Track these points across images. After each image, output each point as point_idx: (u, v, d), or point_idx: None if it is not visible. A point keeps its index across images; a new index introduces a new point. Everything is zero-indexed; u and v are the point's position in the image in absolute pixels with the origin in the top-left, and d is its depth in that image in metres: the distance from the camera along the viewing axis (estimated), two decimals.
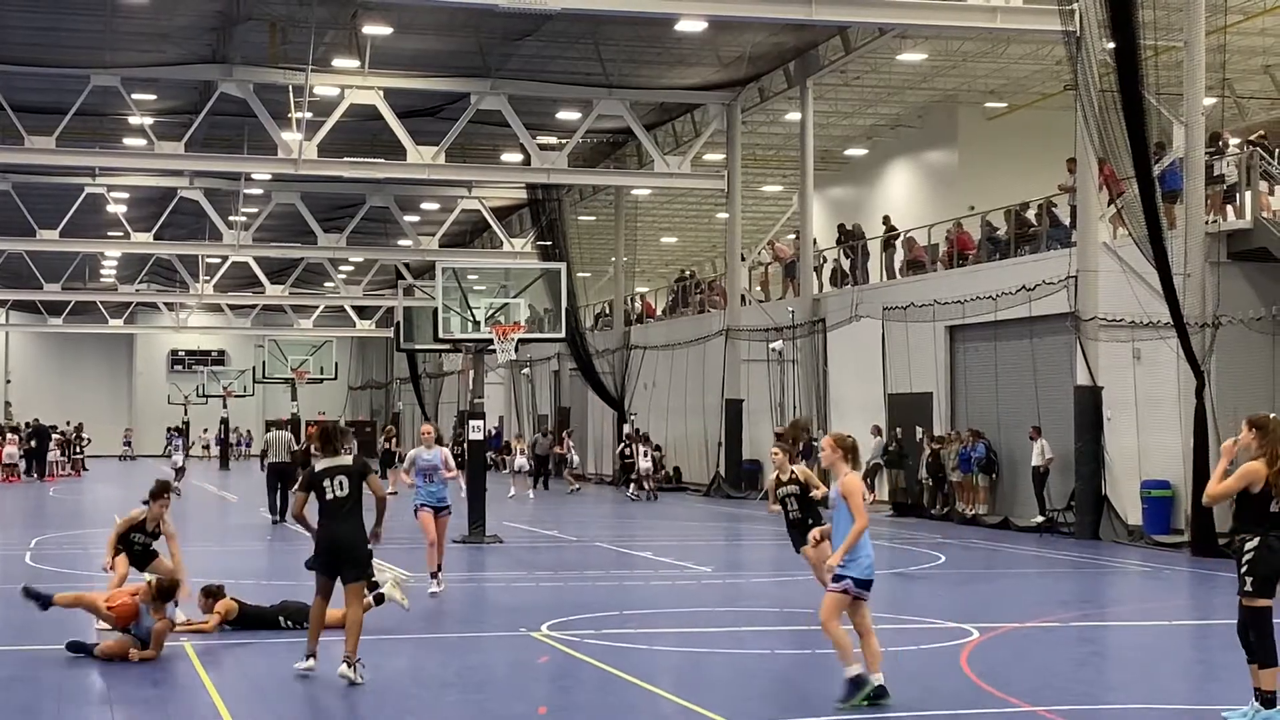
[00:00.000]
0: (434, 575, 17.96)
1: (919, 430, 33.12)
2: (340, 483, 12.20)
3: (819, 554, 14.15)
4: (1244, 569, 10.27)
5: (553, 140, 40.57)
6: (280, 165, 37.57)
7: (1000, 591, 19.73)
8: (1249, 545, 10.29)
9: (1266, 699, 10.16)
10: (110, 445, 75.33)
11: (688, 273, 54.05)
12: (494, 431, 56.23)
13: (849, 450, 11.40)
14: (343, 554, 12.19)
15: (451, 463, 18.72)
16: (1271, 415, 10.62)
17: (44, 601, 14.02)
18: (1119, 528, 25.95)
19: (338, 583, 12.33)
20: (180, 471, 43.53)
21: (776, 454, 15.72)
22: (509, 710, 11.29)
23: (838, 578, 11.02)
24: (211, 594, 15.05)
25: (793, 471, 15.46)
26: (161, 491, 15.43)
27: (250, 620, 14.89)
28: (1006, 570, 22.27)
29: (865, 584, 11.07)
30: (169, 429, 67.89)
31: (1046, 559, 23.47)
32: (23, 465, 50.76)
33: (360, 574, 12.37)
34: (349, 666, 11.98)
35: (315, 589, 12.42)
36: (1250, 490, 10.28)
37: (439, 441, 18.86)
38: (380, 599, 14.60)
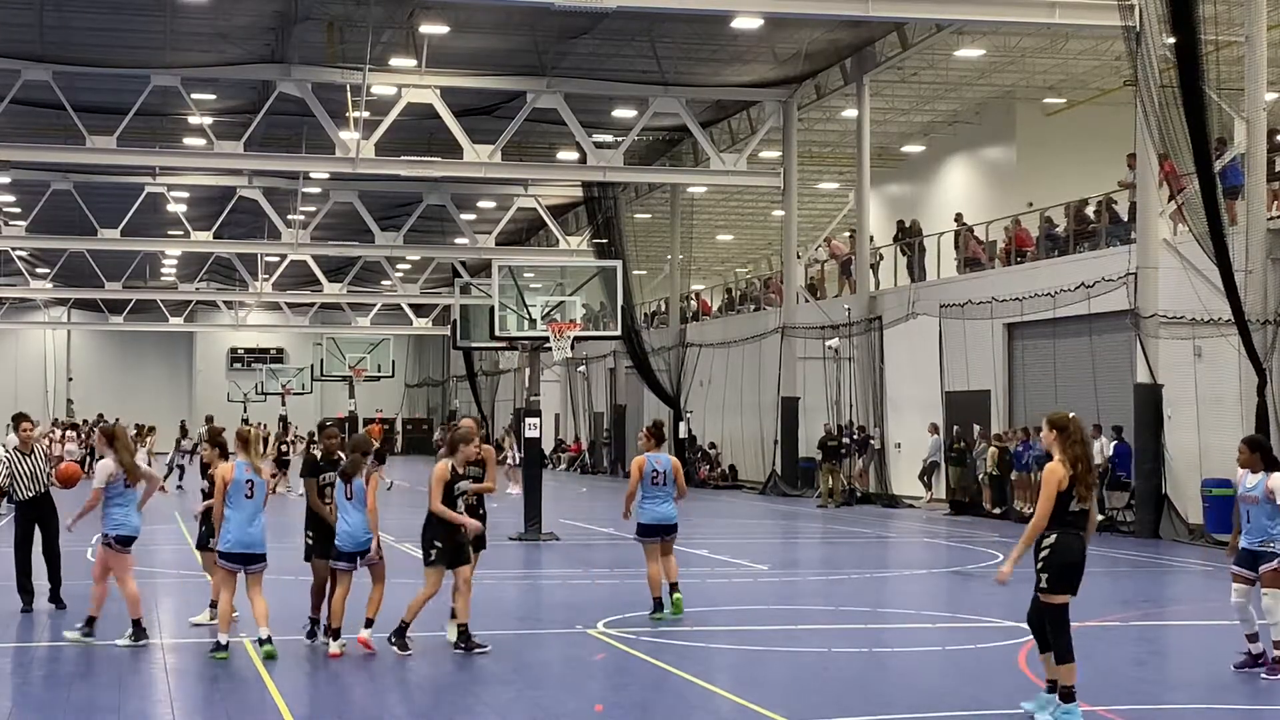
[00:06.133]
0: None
1: (976, 428, 32.95)
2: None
3: None
4: (1039, 565, 10.47)
5: (609, 138, 40.56)
6: (338, 164, 37.77)
7: None
8: (1045, 542, 10.45)
9: (1065, 692, 10.38)
10: (170, 443, 75.86)
11: (746, 274, 53.90)
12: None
13: (238, 441, 13.85)
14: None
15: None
16: (1071, 415, 10.74)
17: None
18: (1179, 527, 25.76)
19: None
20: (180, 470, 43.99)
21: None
22: (565, 708, 11.31)
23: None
24: None
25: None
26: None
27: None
28: None
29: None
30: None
31: (1106, 558, 23.27)
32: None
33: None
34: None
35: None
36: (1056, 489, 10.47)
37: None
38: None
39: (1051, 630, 10.47)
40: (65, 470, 17.42)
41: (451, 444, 13.71)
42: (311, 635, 13.99)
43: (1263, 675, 12.44)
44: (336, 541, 13.54)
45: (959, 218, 37.44)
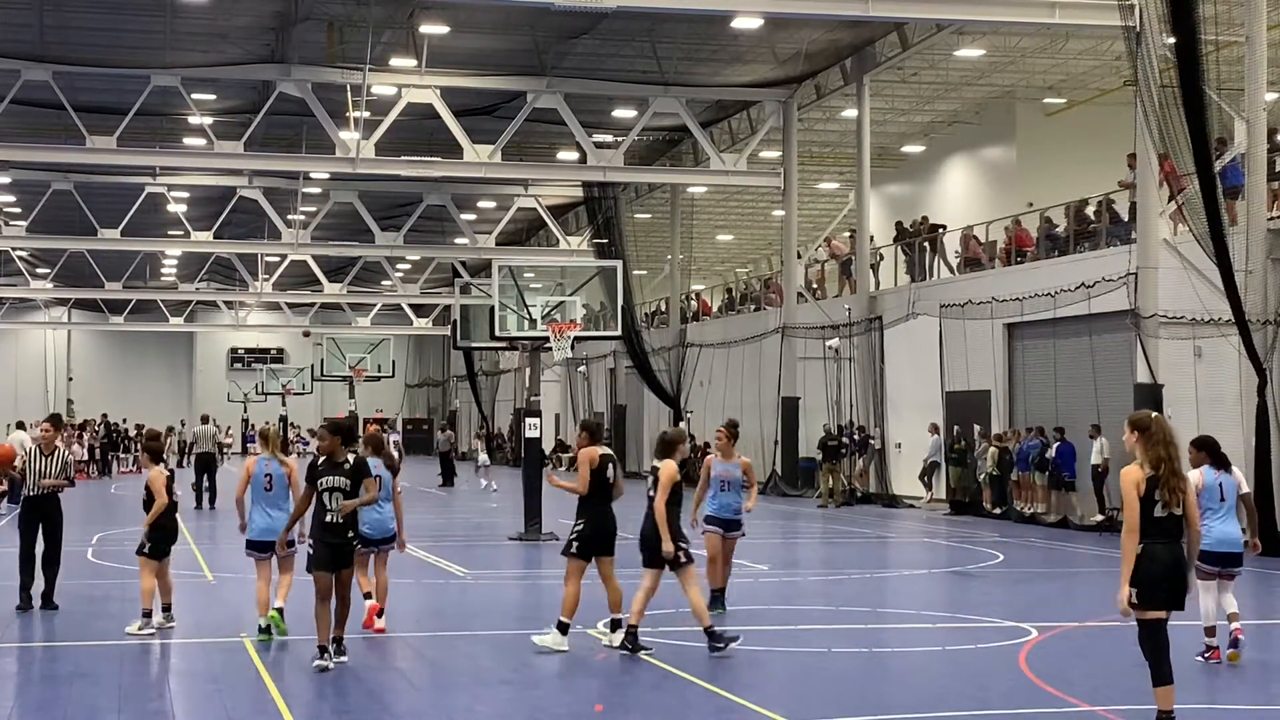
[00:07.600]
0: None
1: (976, 428, 32.95)
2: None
3: None
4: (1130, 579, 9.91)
5: (609, 138, 40.55)
6: (338, 164, 37.76)
7: (1059, 590, 19.60)
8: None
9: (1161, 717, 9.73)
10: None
11: (746, 274, 53.86)
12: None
13: (259, 439, 14.78)
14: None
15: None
16: (1154, 415, 10.05)
17: None
18: None
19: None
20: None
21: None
22: (565, 708, 11.31)
23: None
24: None
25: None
26: None
27: None
28: (1065, 569, 22.13)
29: None
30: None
31: (1106, 558, 23.27)
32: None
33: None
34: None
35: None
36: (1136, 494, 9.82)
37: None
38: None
39: (1142, 648, 9.95)
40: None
41: (668, 445, 14.04)
42: (323, 659, 12.76)
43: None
44: (365, 529, 14.18)
45: (932, 224, 37.56)
